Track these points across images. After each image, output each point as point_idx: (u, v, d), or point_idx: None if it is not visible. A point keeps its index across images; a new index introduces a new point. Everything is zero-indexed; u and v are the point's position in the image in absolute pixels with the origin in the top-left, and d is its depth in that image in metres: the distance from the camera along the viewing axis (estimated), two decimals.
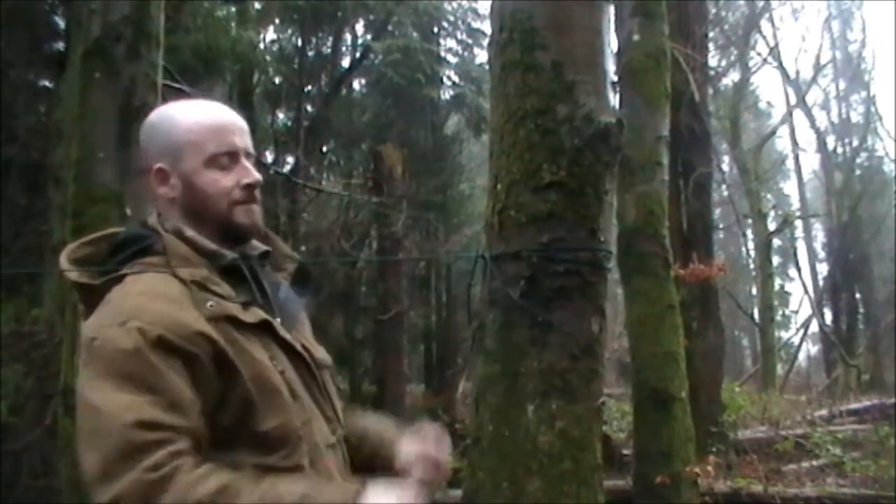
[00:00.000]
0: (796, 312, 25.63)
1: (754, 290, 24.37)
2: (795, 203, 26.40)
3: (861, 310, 21.94)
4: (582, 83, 2.33)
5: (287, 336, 1.31)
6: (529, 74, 2.36)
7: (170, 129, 1.35)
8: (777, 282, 23.40)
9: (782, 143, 26.73)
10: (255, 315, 1.27)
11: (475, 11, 15.91)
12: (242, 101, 11.95)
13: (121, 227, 1.42)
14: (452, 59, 16.33)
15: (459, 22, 16.15)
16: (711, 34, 13.67)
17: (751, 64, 20.33)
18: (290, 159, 13.88)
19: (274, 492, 1.12)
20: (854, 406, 11.93)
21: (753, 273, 23.33)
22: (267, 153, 13.35)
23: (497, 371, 2.28)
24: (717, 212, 17.33)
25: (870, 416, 10.97)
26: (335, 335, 13.17)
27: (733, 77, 19.91)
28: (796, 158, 24.48)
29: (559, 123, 2.31)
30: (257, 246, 1.41)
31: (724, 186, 18.07)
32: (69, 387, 3.45)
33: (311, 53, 15.09)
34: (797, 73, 22.53)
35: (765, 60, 20.45)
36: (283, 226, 11.31)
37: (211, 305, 1.23)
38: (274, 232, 1.49)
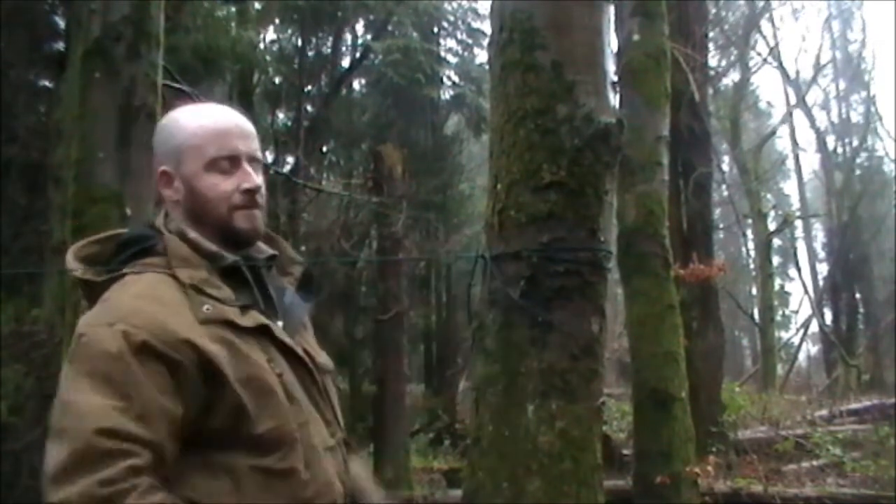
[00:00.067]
0: (796, 312, 25.67)
1: (754, 290, 24.38)
2: (795, 203, 26.43)
3: (861, 310, 21.94)
4: (582, 83, 2.33)
5: (287, 340, 1.32)
6: (529, 74, 2.36)
7: (174, 132, 1.37)
8: (777, 282, 23.41)
9: (782, 143, 26.78)
10: (252, 319, 1.27)
11: (475, 11, 15.93)
12: (242, 101, 11.94)
13: (126, 228, 1.45)
14: (452, 59, 16.34)
15: (459, 22, 16.16)
16: (711, 34, 13.67)
17: (751, 64, 20.36)
18: (290, 159, 13.88)
19: None
20: (854, 406, 11.93)
21: (753, 273, 23.35)
22: (267, 153, 13.35)
23: (497, 371, 2.28)
24: (717, 212, 17.33)
25: (870, 416, 10.98)
26: (335, 335, 13.16)
27: (733, 77, 19.93)
28: (796, 158, 24.51)
29: (559, 123, 2.31)
30: (264, 250, 1.42)
31: (724, 186, 18.08)
32: None
33: (311, 53, 15.09)
34: (797, 73, 22.58)
35: (765, 60, 20.47)
36: (283, 226, 11.31)
37: (207, 309, 1.24)
38: (273, 232, 1.49)
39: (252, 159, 1.36)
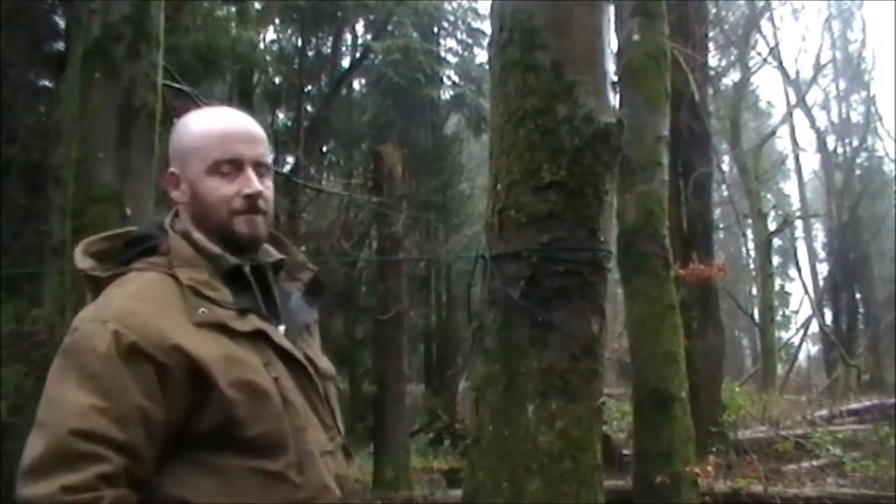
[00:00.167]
0: (796, 312, 25.68)
1: (754, 290, 24.39)
2: (795, 203, 26.44)
3: (861, 310, 21.95)
4: (582, 83, 2.33)
5: (286, 344, 1.32)
6: (529, 74, 2.36)
7: (183, 134, 1.38)
8: (777, 282, 23.41)
9: (782, 143, 26.78)
10: (250, 323, 1.28)
11: (475, 11, 15.95)
12: (242, 101, 11.95)
13: (134, 227, 1.46)
14: (452, 59, 16.35)
15: (459, 22, 16.17)
16: (711, 34, 13.67)
17: (751, 64, 20.35)
18: (290, 159, 13.89)
19: None
20: (854, 406, 11.93)
21: (753, 273, 23.35)
22: None
23: (497, 371, 2.28)
24: (717, 212, 17.34)
25: (870, 416, 10.97)
26: (335, 335, 13.17)
27: (733, 77, 19.93)
28: (796, 158, 24.51)
29: (559, 123, 2.31)
30: (272, 254, 1.42)
31: (724, 186, 18.08)
32: None
33: (311, 53, 15.10)
34: (797, 73, 22.58)
35: (765, 60, 20.47)
36: (283, 226, 11.31)
37: (202, 312, 1.24)
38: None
39: (258, 165, 1.36)
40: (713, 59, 15.94)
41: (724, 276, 10.73)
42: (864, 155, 23.95)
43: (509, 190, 2.34)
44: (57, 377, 1.20)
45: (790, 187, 28.81)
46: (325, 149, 15.43)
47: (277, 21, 14.61)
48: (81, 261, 1.32)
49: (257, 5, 13.05)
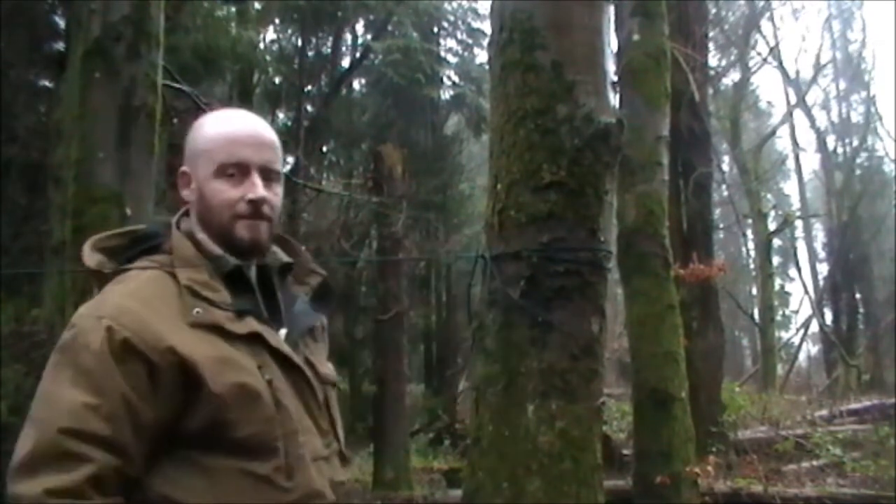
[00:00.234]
0: (796, 312, 25.69)
1: (754, 290, 24.40)
2: (795, 203, 26.45)
3: (861, 310, 21.95)
4: (582, 83, 2.33)
5: (283, 348, 1.31)
6: (529, 74, 2.35)
7: (196, 135, 1.39)
8: (777, 282, 23.41)
9: (782, 143, 26.78)
10: (246, 325, 1.28)
11: (475, 11, 15.95)
12: (242, 101, 11.95)
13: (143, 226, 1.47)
14: (452, 59, 16.36)
15: (459, 22, 16.17)
16: (711, 34, 13.67)
17: (751, 64, 20.36)
18: (290, 159, 13.87)
19: None
20: (854, 406, 11.93)
21: (753, 273, 23.36)
22: None
23: (497, 371, 2.28)
24: (717, 212, 17.33)
25: (870, 416, 10.97)
26: (335, 335, 13.16)
27: (733, 77, 19.95)
28: (796, 158, 24.51)
29: (559, 123, 2.30)
30: (280, 257, 1.42)
31: (724, 186, 18.07)
32: None
33: (311, 53, 15.10)
34: (797, 73, 22.61)
35: (765, 60, 20.48)
36: (283, 226, 11.29)
37: (197, 312, 1.25)
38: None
39: (265, 170, 1.35)
40: (713, 59, 15.96)
41: (724, 276, 10.72)
42: (864, 155, 23.96)
43: (509, 190, 2.34)
44: (52, 373, 1.21)
45: (790, 187, 28.86)
46: (325, 149, 15.43)
47: (277, 21, 14.61)
48: (89, 257, 1.33)
49: (257, 5, 13.05)
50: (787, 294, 27.36)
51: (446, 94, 15.83)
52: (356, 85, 16.99)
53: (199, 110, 6.49)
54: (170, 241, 1.35)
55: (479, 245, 3.09)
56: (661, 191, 5.63)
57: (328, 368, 1.43)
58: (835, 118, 24.78)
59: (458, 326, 15.17)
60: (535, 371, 2.22)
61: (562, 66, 2.33)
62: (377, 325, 11.07)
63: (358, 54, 15.56)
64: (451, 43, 16.54)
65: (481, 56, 15.56)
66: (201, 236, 1.35)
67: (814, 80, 22.70)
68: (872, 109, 23.56)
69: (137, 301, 1.23)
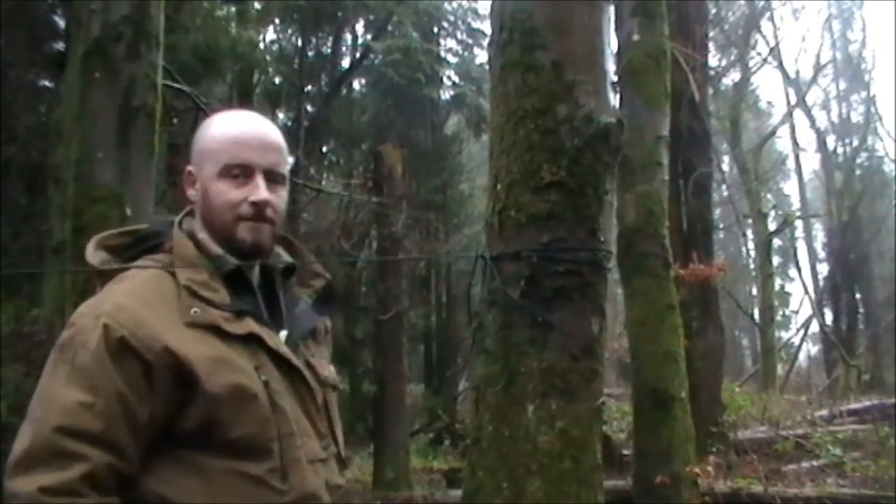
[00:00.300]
0: (796, 312, 25.69)
1: (754, 290, 24.40)
2: (795, 203, 26.45)
3: (861, 310, 21.95)
4: (582, 83, 2.33)
5: (282, 349, 1.31)
6: (529, 74, 2.35)
7: (203, 135, 1.39)
8: (777, 282, 23.42)
9: (782, 143, 26.78)
10: (244, 326, 1.27)
11: (475, 11, 15.94)
12: (242, 101, 11.94)
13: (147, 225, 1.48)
14: (452, 59, 16.35)
15: (459, 22, 16.16)
16: (711, 34, 13.67)
17: (751, 64, 20.37)
18: (291, 159, 13.86)
19: None
20: (854, 406, 11.92)
21: (753, 273, 23.36)
22: None
23: (497, 371, 2.27)
24: (717, 212, 17.34)
25: (870, 416, 10.96)
26: (335, 335, 13.14)
27: (733, 77, 19.96)
28: (796, 158, 24.51)
29: (559, 123, 2.30)
30: (284, 259, 1.42)
31: (724, 186, 18.08)
32: None
33: (311, 53, 15.10)
34: (797, 73, 22.63)
35: (765, 60, 20.49)
36: (283, 226, 11.28)
37: (195, 312, 1.25)
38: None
39: (270, 173, 1.35)
40: (713, 59, 15.97)
41: (724, 276, 10.73)
42: (864, 155, 23.96)
43: (509, 190, 2.34)
44: (50, 371, 1.22)
45: (790, 187, 28.87)
46: (325, 149, 15.42)
47: (277, 21, 14.61)
48: (92, 255, 1.33)
49: (257, 5, 13.04)
50: (787, 294, 27.38)
51: (446, 94, 15.83)
52: (356, 85, 16.99)
53: (199, 110, 6.50)
54: (171, 241, 1.35)
55: (479, 245, 3.09)
56: (661, 191, 5.63)
57: (329, 371, 1.43)
58: (835, 118, 24.79)
59: (458, 326, 15.17)
60: (535, 371, 2.22)
61: (562, 66, 2.33)
62: (377, 325, 11.07)
63: (358, 54, 15.56)
64: (451, 43, 16.55)
65: (481, 56, 15.58)
66: (202, 236, 1.35)
67: (814, 80, 22.72)
68: (872, 109, 23.59)
69: (135, 300, 1.23)
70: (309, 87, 14.94)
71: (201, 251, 1.33)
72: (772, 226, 19.64)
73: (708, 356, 8.13)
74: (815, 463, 8.37)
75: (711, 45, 14.64)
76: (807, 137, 29.21)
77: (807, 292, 20.81)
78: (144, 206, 3.67)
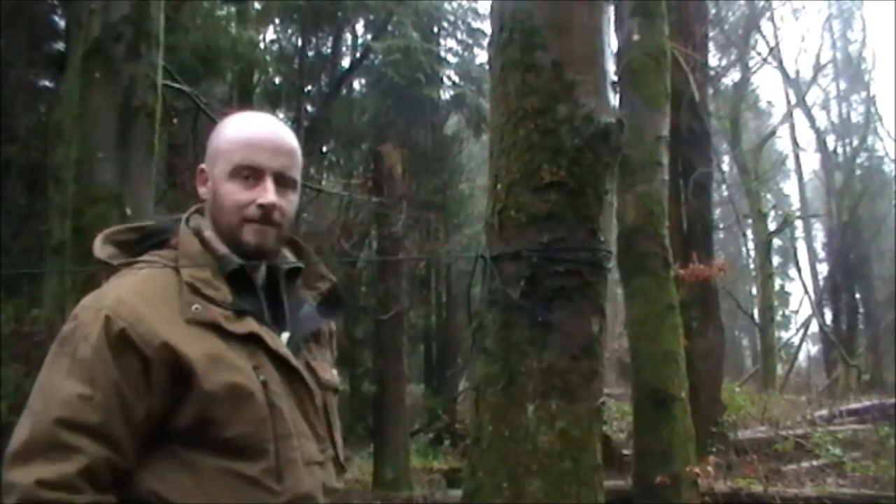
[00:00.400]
0: (796, 312, 25.69)
1: (754, 290, 24.39)
2: (795, 203, 26.45)
3: (861, 310, 21.95)
4: (582, 83, 2.33)
5: (282, 350, 1.31)
6: (529, 74, 2.36)
7: (218, 134, 1.40)
8: (777, 282, 23.42)
9: (782, 143, 26.79)
10: (245, 326, 1.27)
11: (475, 11, 15.94)
12: (242, 101, 11.94)
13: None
14: (452, 59, 16.35)
15: (459, 22, 16.16)
16: (711, 34, 13.67)
17: (751, 64, 20.37)
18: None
19: None
20: (854, 406, 11.92)
21: (753, 273, 23.36)
22: None
23: (497, 371, 2.28)
24: (717, 212, 17.34)
25: (870, 416, 10.96)
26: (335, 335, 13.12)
27: (733, 77, 19.95)
28: (796, 158, 24.52)
29: (559, 123, 2.31)
30: (290, 260, 1.42)
31: (724, 186, 18.08)
32: None
33: (311, 53, 15.10)
34: (797, 73, 22.62)
35: (765, 60, 20.49)
36: None
37: (196, 309, 1.25)
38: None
39: (280, 176, 1.35)
40: (713, 59, 15.97)
41: (724, 276, 10.72)
42: (864, 155, 23.95)
43: (509, 190, 2.34)
44: (51, 363, 1.22)
45: (790, 187, 28.86)
46: (325, 149, 15.41)
47: (277, 21, 14.61)
48: (100, 249, 1.34)
49: (257, 5, 13.04)
50: (787, 294, 27.37)
51: (446, 94, 15.83)
52: (356, 85, 16.99)
53: (198, 110, 6.50)
54: (177, 238, 1.35)
55: (479, 245, 3.09)
56: (661, 191, 5.63)
57: (331, 374, 1.42)
58: (835, 118, 24.79)
59: (458, 326, 15.16)
60: (535, 371, 2.22)
61: (562, 66, 2.34)
62: (377, 325, 11.07)
63: (358, 54, 15.55)
64: (451, 43, 16.55)
65: (481, 56, 15.57)
66: (209, 234, 1.35)
67: (814, 80, 22.73)
68: (872, 109, 23.58)
69: (137, 295, 1.24)
70: (309, 87, 14.94)
71: (207, 249, 1.33)
72: (772, 226, 19.64)
73: (708, 356, 8.13)
74: (815, 463, 8.37)
75: (711, 45, 14.64)
76: (807, 137, 29.21)
77: (807, 292, 20.83)
78: (144, 206, 3.67)
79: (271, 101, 14.53)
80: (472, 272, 2.60)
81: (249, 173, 1.33)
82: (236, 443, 1.21)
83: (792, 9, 24.59)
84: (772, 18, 20.47)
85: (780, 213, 21.39)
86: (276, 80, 14.75)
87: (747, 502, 6.73)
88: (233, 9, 11.39)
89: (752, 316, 21.43)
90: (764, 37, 20.42)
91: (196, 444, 1.21)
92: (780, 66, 21.14)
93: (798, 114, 23.00)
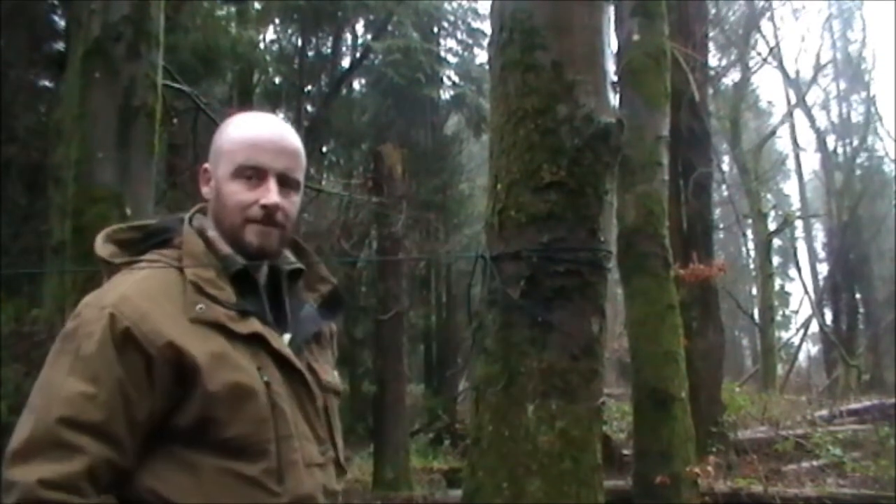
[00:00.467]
0: (796, 312, 25.69)
1: (754, 290, 24.40)
2: (795, 203, 26.46)
3: (861, 310, 21.95)
4: (582, 83, 2.33)
5: (284, 351, 1.31)
6: (529, 74, 2.36)
7: (222, 133, 1.39)
8: (777, 282, 23.42)
9: (782, 143, 26.79)
10: (248, 326, 1.27)
11: (475, 11, 15.95)
12: (242, 101, 11.95)
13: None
14: (452, 59, 16.35)
15: (459, 22, 16.16)
16: (711, 34, 13.67)
17: (751, 64, 20.37)
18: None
19: None
20: (854, 406, 11.93)
21: (753, 273, 23.36)
22: None
23: (497, 371, 2.28)
24: (717, 212, 17.34)
25: (870, 416, 10.97)
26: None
27: (733, 77, 19.95)
28: (796, 158, 24.52)
29: (559, 123, 2.31)
30: (292, 262, 1.42)
31: (724, 186, 18.08)
32: None
33: (311, 53, 15.10)
34: (797, 73, 22.62)
35: (765, 60, 20.50)
36: None
37: (200, 308, 1.25)
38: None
39: (283, 177, 1.35)
40: (713, 59, 15.97)
41: (724, 276, 10.72)
42: (864, 155, 23.95)
43: (509, 190, 2.34)
44: (53, 361, 1.22)
45: (790, 187, 28.87)
46: (325, 149, 15.42)
47: (277, 21, 14.61)
48: (102, 247, 1.33)
49: (257, 5, 13.05)
50: (787, 294, 27.38)
51: (446, 94, 15.83)
52: (356, 85, 16.99)
53: (198, 110, 6.50)
54: (181, 237, 1.35)
55: (479, 245, 3.09)
56: (661, 191, 5.63)
57: (332, 376, 1.42)
58: (835, 118, 24.79)
59: (458, 326, 15.16)
60: (535, 371, 2.22)
61: (562, 66, 2.34)
62: (377, 325, 11.07)
63: (358, 54, 15.55)
64: (451, 43, 16.55)
65: (481, 56, 15.58)
66: (212, 234, 1.35)
67: (814, 80, 22.72)
68: (872, 109, 23.58)
69: (140, 294, 1.23)
70: (309, 87, 14.95)
71: (210, 249, 1.33)
72: (772, 226, 19.64)
73: (708, 356, 8.14)
74: (815, 463, 8.37)
75: (711, 45, 14.64)
76: (807, 137, 29.18)
77: (807, 292, 20.82)
78: (144, 206, 3.67)
79: (271, 101, 14.53)
80: (472, 272, 2.60)
81: (252, 174, 1.33)
82: (237, 443, 1.21)
83: (792, 9, 24.62)
84: (772, 18, 20.50)
85: (780, 213, 21.39)
86: (276, 80, 14.75)
87: (747, 502, 6.73)
88: (233, 9, 11.39)
89: (752, 316, 21.43)
90: (764, 37, 20.45)
91: (195, 444, 1.20)
92: (780, 66, 21.17)
93: (798, 114, 23.04)
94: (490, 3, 2.61)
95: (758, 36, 20.18)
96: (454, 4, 16.38)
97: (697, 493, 5.39)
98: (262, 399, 1.23)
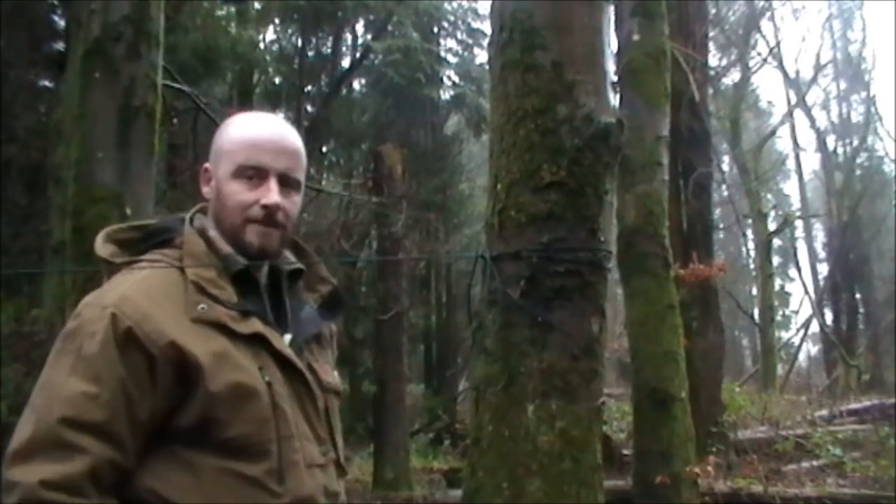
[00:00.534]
0: (796, 312, 25.70)
1: (754, 290, 24.41)
2: (795, 203, 26.47)
3: (861, 310, 21.95)
4: (582, 83, 2.33)
5: (286, 351, 1.31)
6: (529, 74, 2.36)
7: (222, 133, 1.39)
8: (777, 282, 23.42)
9: (782, 143, 26.80)
10: (250, 326, 1.27)
11: (475, 11, 15.95)
12: (242, 101, 11.95)
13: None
14: (452, 59, 16.35)
15: (459, 22, 16.16)
16: (711, 34, 13.67)
17: (751, 64, 20.36)
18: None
19: None
20: (854, 406, 11.93)
21: (753, 273, 23.37)
22: None
23: (497, 371, 2.28)
24: (717, 212, 17.34)
25: (870, 416, 10.97)
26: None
27: (733, 77, 19.95)
28: (796, 158, 24.52)
29: (559, 123, 2.31)
30: (292, 262, 1.42)
31: (724, 186, 18.08)
32: None
33: (311, 53, 15.10)
34: (797, 73, 22.63)
35: (765, 60, 20.50)
36: None
37: (201, 308, 1.24)
38: None
39: (284, 177, 1.35)
40: (713, 59, 15.97)
41: (724, 276, 10.72)
42: (864, 155, 23.96)
43: (509, 190, 2.34)
44: (54, 360, 1.21)
45: (790, 187, 28.88)
46: (325, 149, 15.42)
47: (277, 21, 14.61)
48: (102, 247, 1.33)
49: (257, 5, 13.04)
50: (787, 294, 27.38)
51: (446, 94, 15.83)
52: (356, 85, 16.99)
53: (198, 110, 6.50)
54: (181, 237, 1.35)
55: (479, 245, 3.09)
56: (661, 191, 5.63)
57: (332, 377, 1.42)
58: (835, 118, 24.80)
59: (458, 326, 15.17)
60: (535, 371, 2.22)
61: (562, 66, 2.34)
62: (377, 325, 11.07)
63: (358, 54, 15.55)
64: (451, 43, 16.56)
65: (481, 56, 15.58)
66: (213, 234, 1.35)
67: (814, 80, 22.72)
68: (872, 109, 23.59)
69: (142, 293, 1.23)
70: (309, 87, 14.95)
71: (211, 249, 1.33)
72: (772, 226, 19.64)
73: (708, 356, 8.14)
74: (815, 463, 8.37)
75: (711, 45, 14.64)
76: (807, 137, 29.20)
77: (807, 292, 20.83)
78: (144, 206, 3.67)
79: (271, 101, 14.53)
80: (472, 272, 2.60)
81: (253, 173, 1.33)
82: (238, 443, 1.21)
83: (792, 9, 24.62)
84: (772, 18, 20.51)
85: (780, 213, 21.39)
86: (276, 80, 14.75)
87: (747, 502, 6.73)
88: (233, 9, 11.39)
89: (752, 316, 21.43)
90: (764, 37, 20.45)
91: (196, 444, 1.20)
92: (780, 66, 21.17)
93: (798, 114, 23.04)
94: (490, 3, 2.61)
95: (758, 36, 20.20)
96: (454, 4, 16.40)
97: (697, 493, 5.39)
98: (263, 399, 1.23)
